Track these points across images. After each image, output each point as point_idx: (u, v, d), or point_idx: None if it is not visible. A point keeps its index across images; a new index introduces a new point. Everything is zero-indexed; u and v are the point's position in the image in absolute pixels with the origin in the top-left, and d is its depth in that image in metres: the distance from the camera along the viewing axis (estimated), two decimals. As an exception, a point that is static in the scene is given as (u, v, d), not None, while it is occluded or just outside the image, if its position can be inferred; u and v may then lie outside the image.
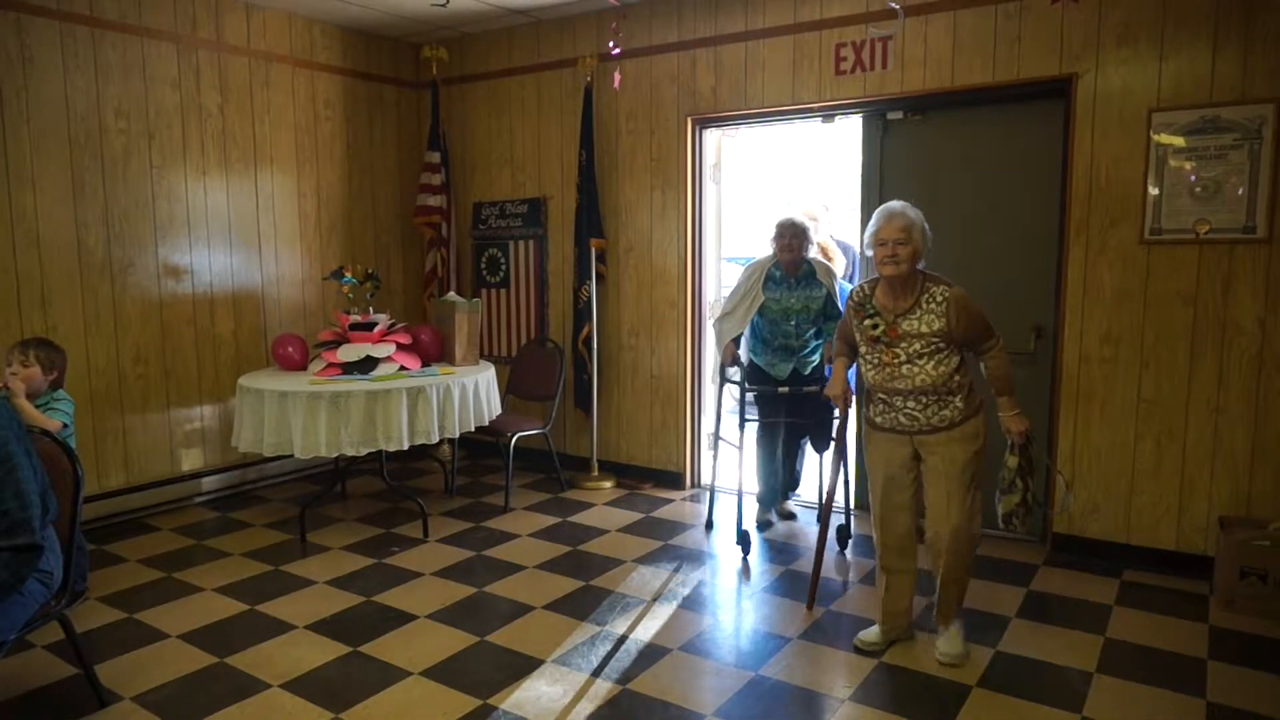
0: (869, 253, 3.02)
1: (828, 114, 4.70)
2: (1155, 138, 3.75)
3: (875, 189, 4.56)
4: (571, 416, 5.61)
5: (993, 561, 4.03)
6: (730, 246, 5.54)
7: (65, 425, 3.43)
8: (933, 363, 2.92)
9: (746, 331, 4.31)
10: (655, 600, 3.65)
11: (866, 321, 3.02)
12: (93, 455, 4.53)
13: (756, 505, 4.60)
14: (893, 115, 4.50)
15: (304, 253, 5.53)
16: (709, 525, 4.54)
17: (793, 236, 4.13)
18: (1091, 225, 3.95)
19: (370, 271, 4.79)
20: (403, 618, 3.48)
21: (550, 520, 4.71)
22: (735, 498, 4.25)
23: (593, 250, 5.25)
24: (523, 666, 3.07)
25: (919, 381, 2.93)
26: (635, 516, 4.77)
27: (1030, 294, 4.21)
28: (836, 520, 4.04)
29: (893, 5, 4.03)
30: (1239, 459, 3.74)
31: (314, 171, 5.55)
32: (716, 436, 4.67)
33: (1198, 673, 3.02)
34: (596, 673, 3.03)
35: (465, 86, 5.93)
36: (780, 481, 4.62)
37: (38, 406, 3.38)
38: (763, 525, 4.56)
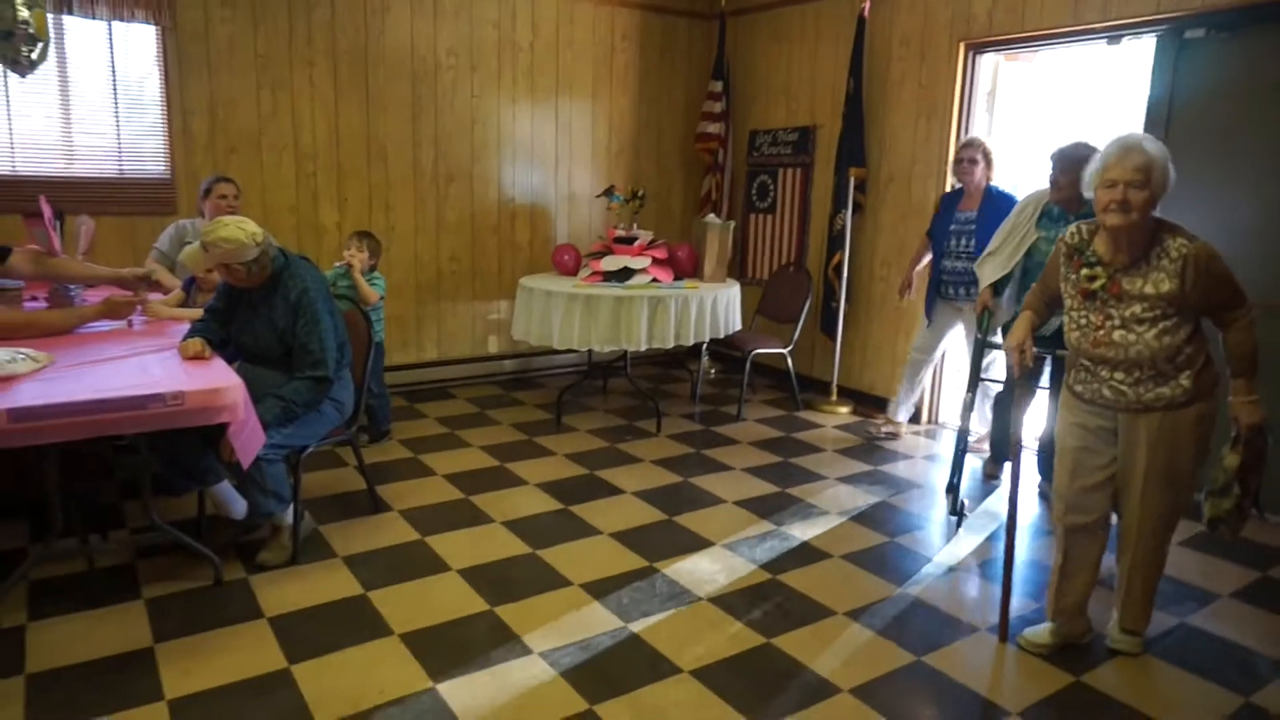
0: (1088, 195, 2.51)
1: (1114, 35, 4.27)
2: None
3: (1161, 123, 4.10)
4: (818, 341, 5.78)
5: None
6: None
7: (381, 298, 4.42)
8: (1154, 331, 2.43)
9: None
10: (840, 515, 3.83)
11: (1084, 271, 2.54)
12: (415, 332, 5.66)
13: (990, 459, 4.45)
14: (1192, 34, 3.98)
15: (594, 173, 6.21)
16: (950, 489, 3.87)
17: (1061, 171, 3.62)
18: None
19: (637, 191, 5.31)
20: (613, 491, 4.04)
21: (774, 433, 5.01)
22: (957, 459, 3.83)
23: (851, 179, 5.30)
24: (694, 545, 3.48)
25: (1133, 352, 2.47)
26: (857, 441, 4.90)
27: (1339, 244, 3.60)
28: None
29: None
30: None
31: (607, 100, 6.17)
32: (971, 399, 3.91)
33: None
34: (755, 561, 3.34)
35: (750, 17, 6.16)
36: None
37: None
38: (990, 476, 4.41)
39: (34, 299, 3.70)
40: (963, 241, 4.47)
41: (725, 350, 5.59)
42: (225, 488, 3.31)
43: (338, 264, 4.36)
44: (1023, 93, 5.10)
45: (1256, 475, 2.52)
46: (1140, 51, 4.24)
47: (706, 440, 4.84)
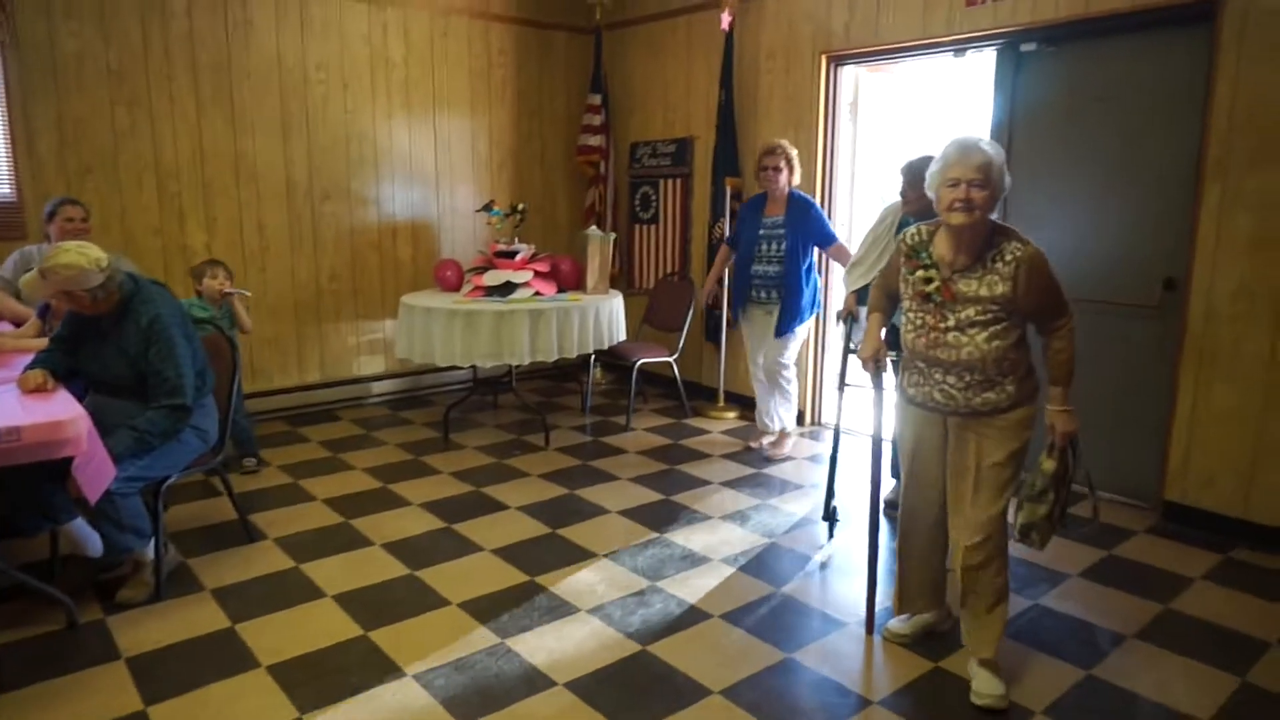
0: (932, 195, 2.50)
1: (959, 48, 4.51)
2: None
3: (1005, 131, 4.36)
4: (703, 348, 5.89)
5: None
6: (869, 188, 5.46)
7: (248, 323, 4.30)
8: (985, 334, 2.44)
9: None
10: (721, 519, 3.91)
11: (920, 272, 2.54)
12: (295, 354, 5.50)
13: (893, 480, 4.50)
14: (1026, 47, 4.25)
15: (476, 188, 6.18)
16: (827, 491, 3.74)
17: (909, 185, 3.75)
18: (1231, 165, 3.58)
19: (517, 206, 5.31)
20: (498, 507, 4.02)
21: (662, 441, 5.07)
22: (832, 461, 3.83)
23: (728, 189, 5.43)
24: (577, 557, 3.49)
25: (964, 354, 2.47)
26: (742, 446, 5.01)
27: (1163, 243, 3.89)
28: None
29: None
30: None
31: (487, 114, 6.15)
32: (841, 401, 3.94)
33: (1252, 654, 2.82)
34: (636, 570, 3.38)
35: (626, 30, 6.24)
36: None
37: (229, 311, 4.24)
38: (891, 504, 4.44)
39: None
40: (772, 246, 4.62)
41: (614, 361, 5.64)
42: (79, 525, 3.14)
43: (228, 291, 4.22)
44: (884, 103, 5.34)
45: (1065, 487, 2.57)
46: (986, 64, 4.49)
47: (595, 452, 4.87)
